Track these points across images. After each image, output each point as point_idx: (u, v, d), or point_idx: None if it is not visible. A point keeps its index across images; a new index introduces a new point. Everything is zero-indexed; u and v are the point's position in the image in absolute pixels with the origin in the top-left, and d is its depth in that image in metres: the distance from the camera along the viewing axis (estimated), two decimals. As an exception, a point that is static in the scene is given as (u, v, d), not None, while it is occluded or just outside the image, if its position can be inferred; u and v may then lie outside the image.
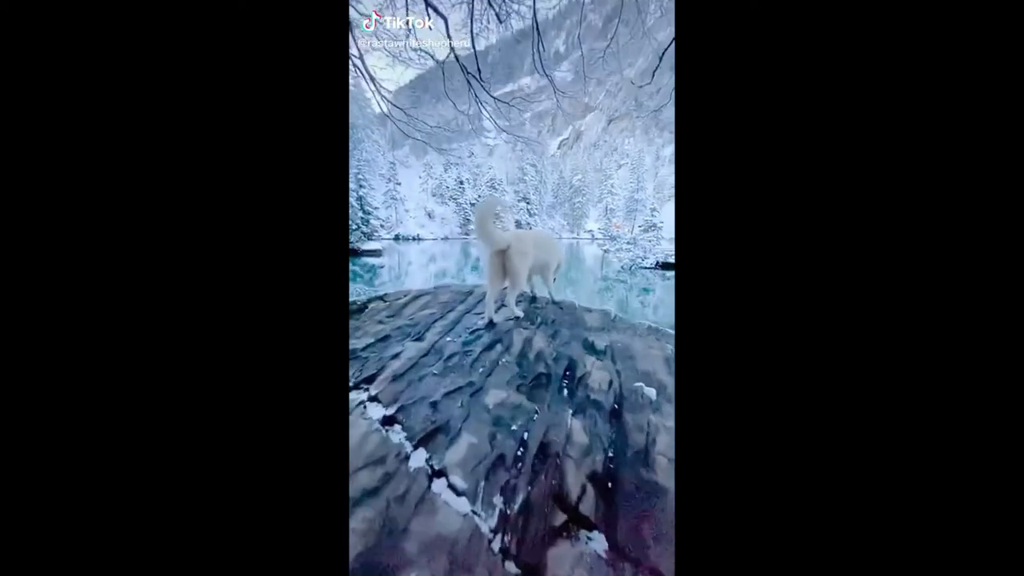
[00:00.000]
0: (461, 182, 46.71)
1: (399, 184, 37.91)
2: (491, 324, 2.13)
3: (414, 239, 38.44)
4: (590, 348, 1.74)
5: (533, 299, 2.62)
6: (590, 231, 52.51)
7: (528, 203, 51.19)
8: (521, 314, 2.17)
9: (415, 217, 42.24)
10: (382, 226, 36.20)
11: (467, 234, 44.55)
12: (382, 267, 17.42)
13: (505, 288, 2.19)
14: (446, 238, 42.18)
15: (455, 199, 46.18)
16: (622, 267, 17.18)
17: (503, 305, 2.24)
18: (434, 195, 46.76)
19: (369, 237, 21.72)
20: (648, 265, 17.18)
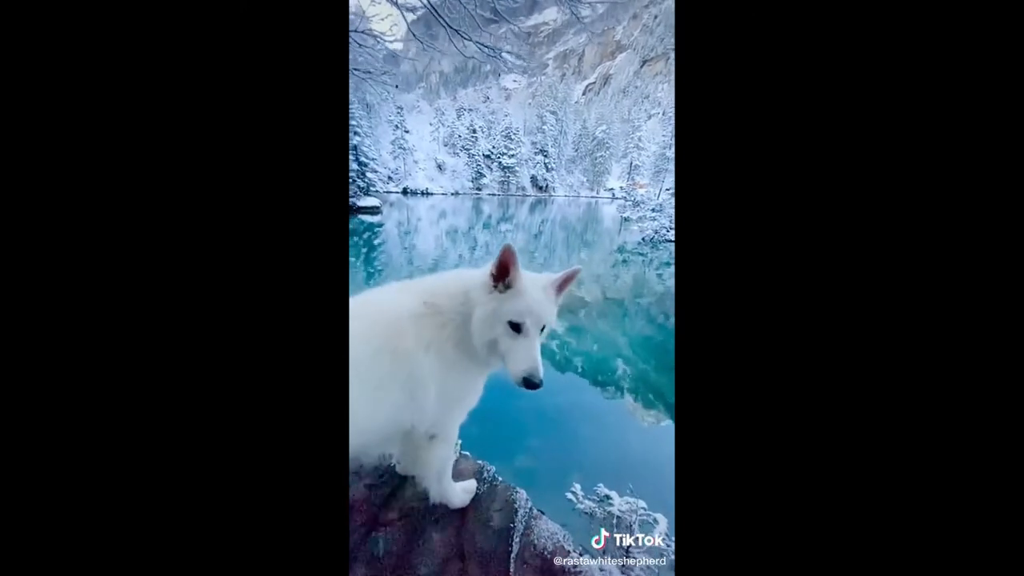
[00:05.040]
0: (474, 130, 43.35)
1: (407, 132, 35.07)
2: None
3: (423, 193, 36.52)
4: None
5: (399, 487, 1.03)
6: (611, 190, 48.93)
7: (546, 156, 47.52)
8: None
9: (424, 169, 39.83)
10: (390, 178, 34.09)
11: (479, 189, 42.12)
12: (381, 226, 15.95)
13: None
14: (456, 193, 40.01)
15: (467, 150, 43.17)
16: (643, 238, 15.43)
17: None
18: (445, 145, 43.74)
19: (366, 192, 19.72)
20: (673, 238, 15.34)
